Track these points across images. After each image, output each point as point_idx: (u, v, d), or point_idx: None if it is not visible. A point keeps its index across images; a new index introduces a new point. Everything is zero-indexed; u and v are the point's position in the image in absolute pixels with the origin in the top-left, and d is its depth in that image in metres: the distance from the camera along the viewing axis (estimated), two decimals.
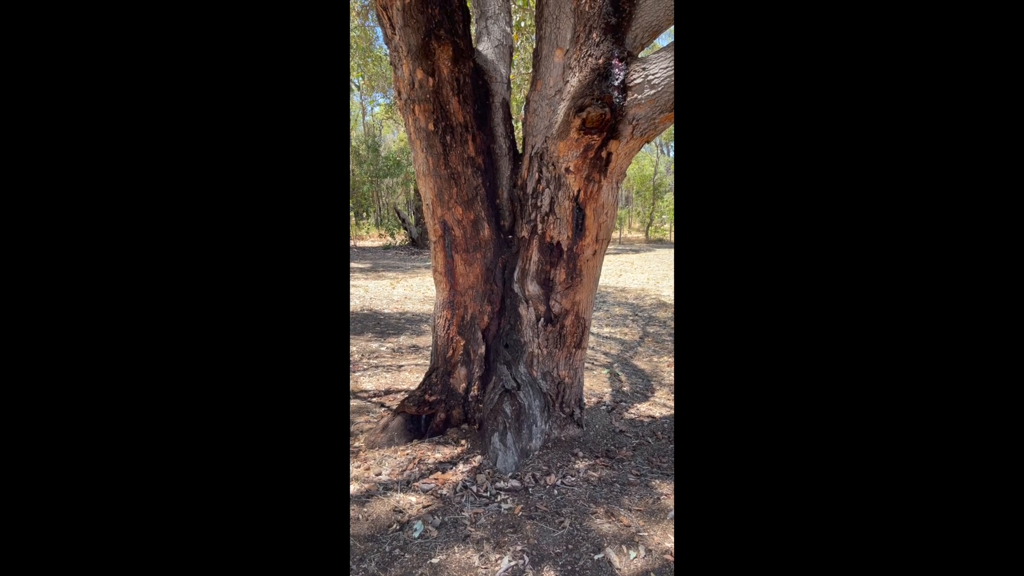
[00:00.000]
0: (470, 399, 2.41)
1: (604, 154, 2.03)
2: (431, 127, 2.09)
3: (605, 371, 3.68)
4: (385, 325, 5.03)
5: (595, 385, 3.36)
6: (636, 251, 14.95)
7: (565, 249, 2.22)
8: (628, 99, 1.89)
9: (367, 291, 6.95)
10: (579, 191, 2.11)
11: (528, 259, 2.30)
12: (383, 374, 3.52)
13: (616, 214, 2.27)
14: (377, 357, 3.94)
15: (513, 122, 2.47)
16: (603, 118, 1.90)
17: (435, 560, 1.63)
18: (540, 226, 2.22)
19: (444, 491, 1.99)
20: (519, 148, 2.40)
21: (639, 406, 3.00)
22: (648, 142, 2.06)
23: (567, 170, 2.08)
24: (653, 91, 1.84)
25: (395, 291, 7.02)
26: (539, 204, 2.20)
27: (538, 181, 2.19)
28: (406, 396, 2.46)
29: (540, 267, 2.29)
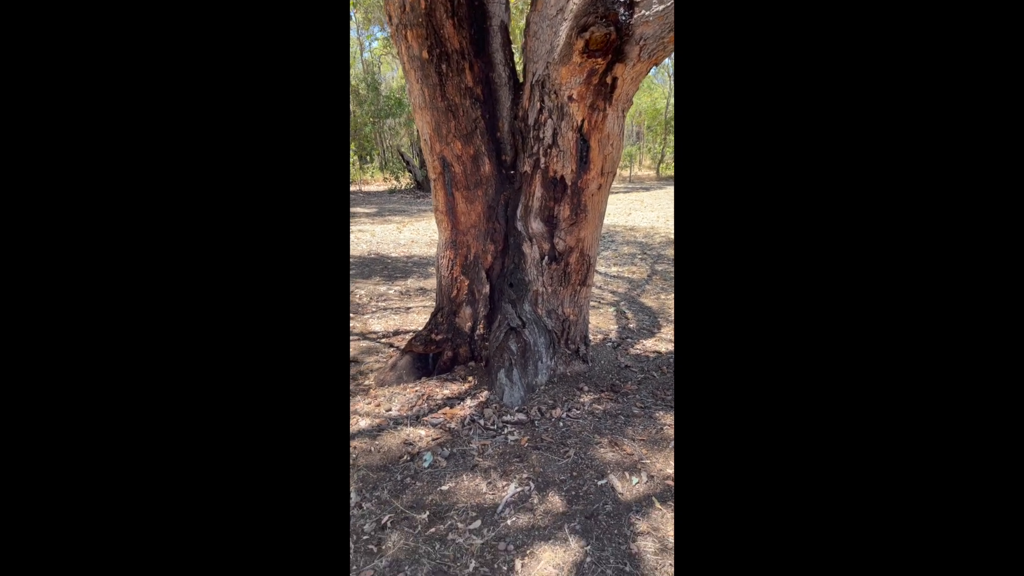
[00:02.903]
0: (476, 337, 2.44)
1: (609, 79, 1.91)
2: (425, 55, 1.97)
3: (612, 309, 3.68)
4: (393, 269, 5.04)
5: (601, 323, 3.37)
6: (647, 189, 14.61)
7: (569, 184, 2.15)
8: (635, 16, 1.75)
9: (374, 235, 6.93)
10: (583, 121, 2.01)
11: (531, 195, 2.24)
12: (391, 316, 3.56)
13: (622, 145, 2.17)
14: (385, 300, 3.98)
15: (513, 49, 2.32)
16: (608, 39, 1.77)
17: (444, 487, 1.71)
18: (543, 160, 2.14)
19: (452, 425, 2.05)
20: (520, 77, 2.27)
21: (645, 342, 3.03)
22: (656, 64, 1.93)
23: (570, 98, 1.97)
24: (662, 6, 1.70)
25: (402, 235, 6.98)
26: (541, 136, 2.11)
27: (540, 111, 2.08)
28: (413, 336, 2.49)
29: (543, 203, 2.23)
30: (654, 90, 21.10)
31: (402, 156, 13.03)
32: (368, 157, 14.80)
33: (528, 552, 1.44)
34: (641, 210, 9.61)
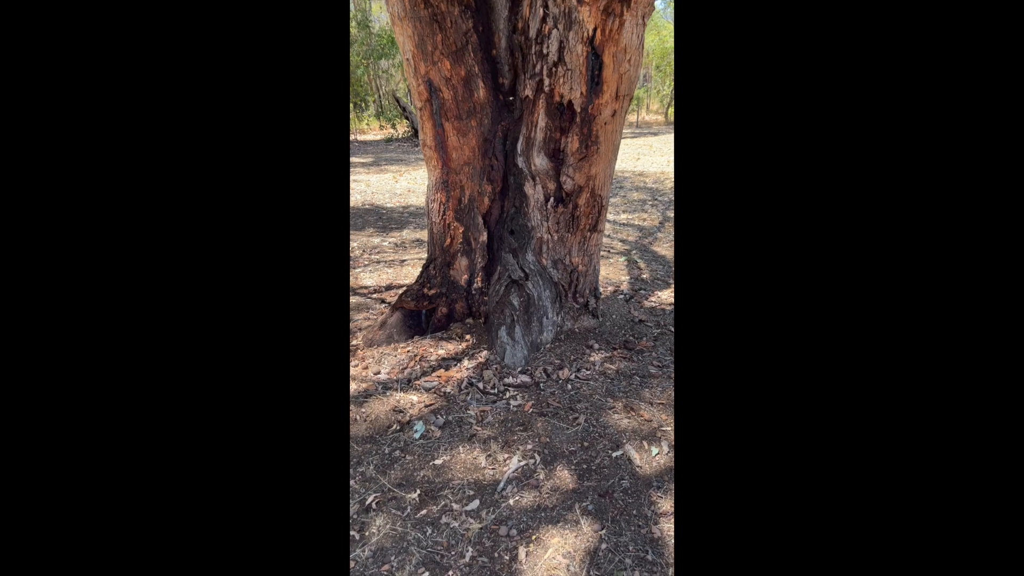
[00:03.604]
0: (473, 291, 2.19)
1: None
2: None
3: (623, 259, 3.41)
4: (387, 219, 4.75)
5: (612, 273, 3.11)
6: (655, 134, 13.95)
7: (578, 110, 1.83)
8: None
9: (369, 185, 6.60)
10: (595, 30, 1.67)
11: (533, 125, 1.92)
12: (384, 269, 3.31)
13: (641, 62, 1.83)
14: (379, 252, 3.72)
15: None
16: None
17: (438, 461, 1.50)
18: (547, 81, 1.81)
19: (448, 389, 1.84)
20: None
21: (660, 294, 2.77)
22: None
23: (579, 0, 1.62)
24: None
25: (398, 184, 6.64)
26: (545, 52, 1.77)
27: (543, 20, 1.73)
28: (404, 290, 2.24)
29: (548, 135, 1.91)
30: (662, 28, 19.76)
31: (398, 102, 12.35)
32: (363, 104, 14.11)
33: (533, 537, 1.25)
34: (650, 155, 9.14)
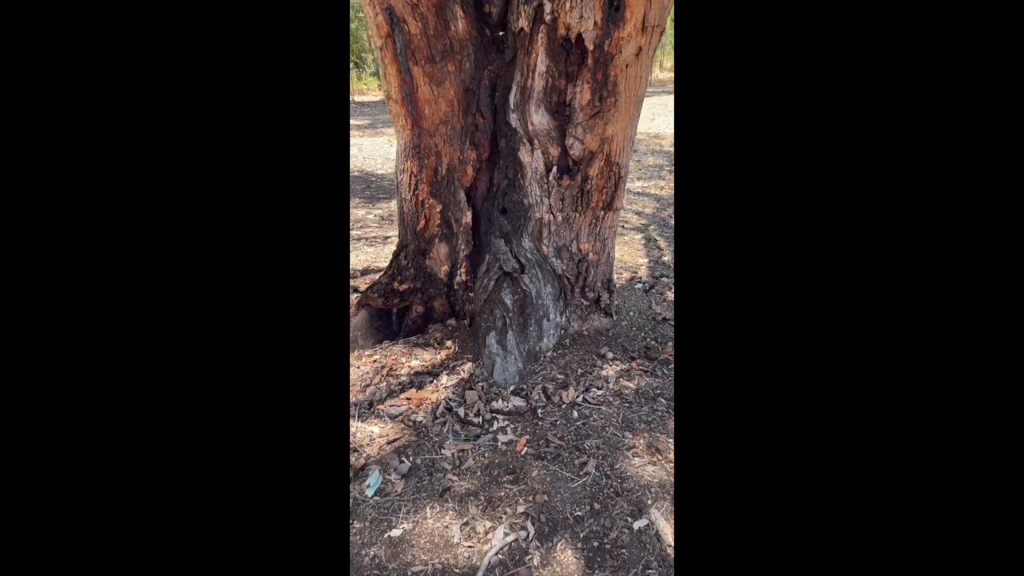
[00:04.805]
0: (456, 286, 1.75)
1: None
2: None
3: (639, 236, 2.94)
4: (377, 188, 4.30)
5: (627, 255, 2.66)
6: (669, 92, 13.11)
7: (591, 47, 1.35)
8: None
9: (361, 150, 6.13)
10: None
11: (530, 70, 1.44)
12: (364, 248, 2.89)
13: None
14: (362, 226, 3.29)
15: None
16: None
17: (395, 532, 1.11)
18: (548, 7, 1.32)
19: (419, 416, 1.43)
20: None
21: None
22: None
23: None
24: None
25: (392, 149, 6.14)
26: None
27: None
28: (370, 285, 1.82)
29: (550, 82, 1.44)
30: None
31: None
32: (360, 61, 13.33)
33: None
34: (666, 115, 8.47)
